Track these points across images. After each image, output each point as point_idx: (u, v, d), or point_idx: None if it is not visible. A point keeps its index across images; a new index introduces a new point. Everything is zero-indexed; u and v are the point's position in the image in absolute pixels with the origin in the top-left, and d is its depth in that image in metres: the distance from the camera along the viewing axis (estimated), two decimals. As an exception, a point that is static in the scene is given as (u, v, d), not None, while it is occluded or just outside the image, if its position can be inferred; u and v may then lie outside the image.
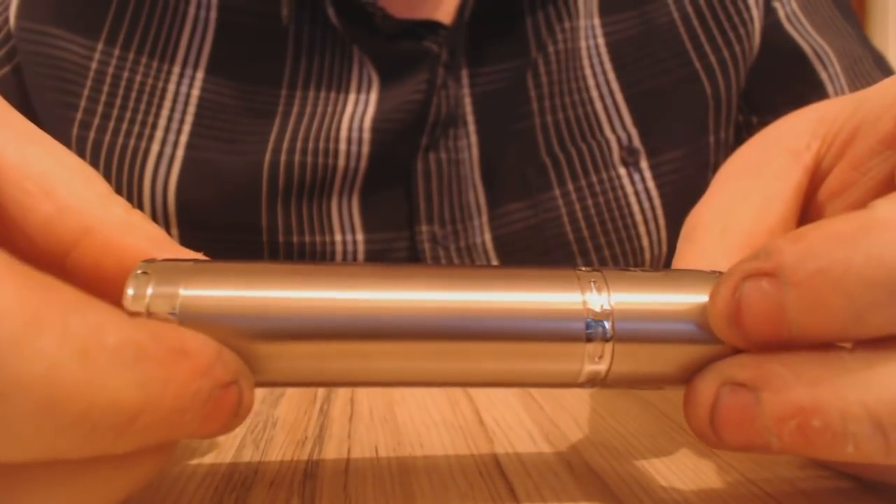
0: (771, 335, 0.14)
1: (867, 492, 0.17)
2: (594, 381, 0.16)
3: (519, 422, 0.23)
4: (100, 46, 0.40)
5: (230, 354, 0.14)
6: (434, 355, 0.15)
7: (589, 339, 0.15)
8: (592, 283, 0.15)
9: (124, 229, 0.16)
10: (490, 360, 0.15)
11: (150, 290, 0.14)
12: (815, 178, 0.21)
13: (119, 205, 0.17)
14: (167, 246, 0.17)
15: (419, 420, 0.23)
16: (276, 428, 0.23)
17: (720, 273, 0.15)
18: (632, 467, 0.19)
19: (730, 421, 0.14)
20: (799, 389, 0.13)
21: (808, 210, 0.21)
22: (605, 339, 0.15)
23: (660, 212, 0.41)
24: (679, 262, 0.20)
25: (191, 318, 0.14)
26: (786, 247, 0.14)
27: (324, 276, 0.15)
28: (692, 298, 0.15)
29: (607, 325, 0.15)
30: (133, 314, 0.14)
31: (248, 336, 0.15)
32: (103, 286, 0.16)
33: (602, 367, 0.15)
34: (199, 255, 0.17)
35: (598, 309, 0.15)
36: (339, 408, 0.25)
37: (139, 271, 0.15)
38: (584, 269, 0.16)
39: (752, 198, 0.20)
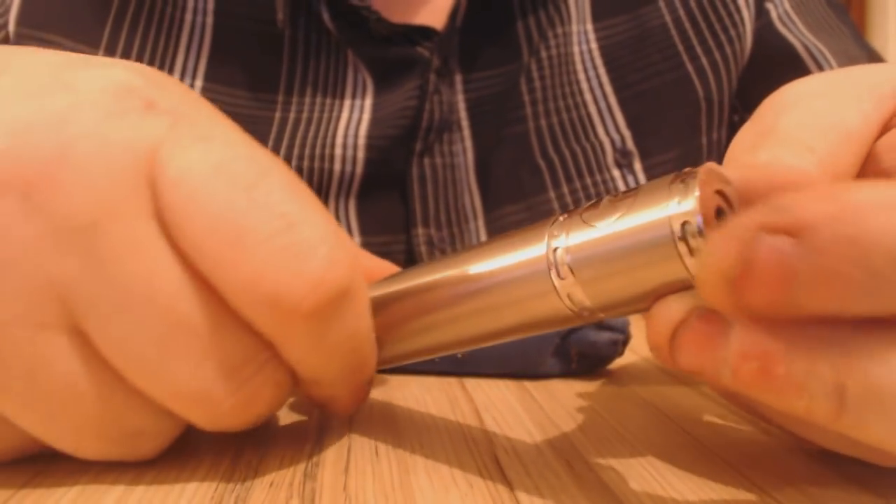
0: (767, 303, 0.12)
1: (869, 492, 0.17)
2: (587, 315, 0.16)
3: (519, 422, 0.23)
4: (100, 54, 0.40)
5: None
6: (454, 318, 0.19)
7: (556, 277, 0.16)
8: (558, 226, 0.16)
9: (382, 270, 0.23)
10: (502, 312, 0.18)
11: None
12: (887, 127, 0.19)
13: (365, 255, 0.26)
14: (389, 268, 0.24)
15: (419, 420, 0.23)
16: (276, 428, 0.23)
17: (681, 176, 0.15)
18: (631, 467, 0.19)
19: (692, 343, 0.14)
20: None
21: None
22: (571, 274, 0.16)
23: None
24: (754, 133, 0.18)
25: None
26: (812, 204, 0.12)
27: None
28: (646, 217, 0.15)
29: (569, 262, 0.16)
30: None
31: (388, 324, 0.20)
32: None
33: (580, 297, 0.16)
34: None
35: (558, 249, 0.16)
36: (339, 408, 0.25)
37: None
38: (562, 215, 0.17)
39: (827, 118, 0.18)
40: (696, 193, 0.14)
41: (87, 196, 0.16)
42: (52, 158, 0.16)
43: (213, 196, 0.16)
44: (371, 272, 0.22)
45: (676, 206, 0.14)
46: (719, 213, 0.15)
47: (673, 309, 0.14)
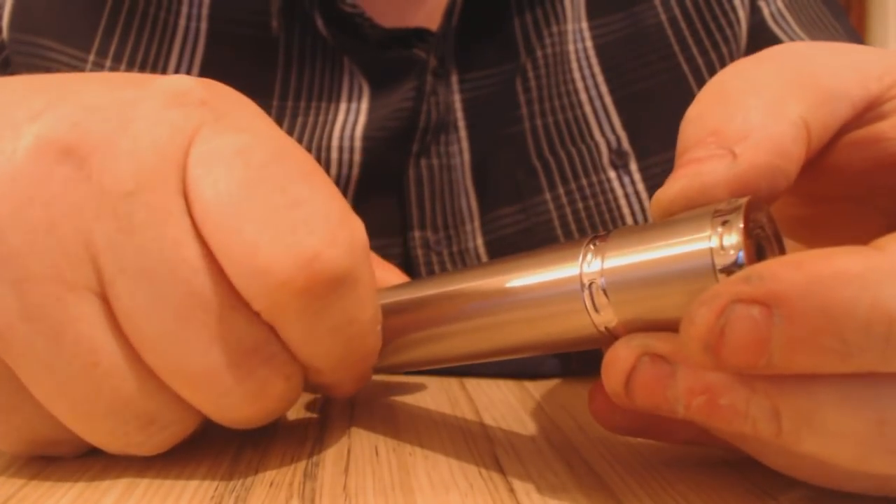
0: (745, 366, 0.14)
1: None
2: (608, 336, 0.17)
3: (519, 422, 0.23)
4: (91, 57, 0.39)
5: None
6: (476, 328, 0.19)
7: (588, 298, 0.16)
8: (592, 247, 0.17)
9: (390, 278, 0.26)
10: (527, 327, 0.18)
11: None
12: (870, 114, 0.19)
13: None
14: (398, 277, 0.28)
15: (419, 420, 0.23)
16: (276, 428, 0.23)
17: (715, 209, 0.15)
18: (631, 467, 0.19)
19: (644, 386, 0.15)
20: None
21: (842, 139, 0.19)
22: (604, 296, 0.16)
23: (649, 214, 0.41)
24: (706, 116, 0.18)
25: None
26: (784, 274, 0.13)
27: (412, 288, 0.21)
28: (687, 247, 0.15)
29: (602, 282, 0.16)
30: None
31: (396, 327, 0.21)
32: None
33: (609, 320, 0.16)
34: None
35: (592, 270, 0.16)
36: (338, 408, 0.25)
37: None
38: (599, 234, 0.17)
39: (804, 96, 0.18)
40: (741, 226, 0.15)
41: (134, 165, 0.17)
42: (112, 131, 0.18)
43: (228, 172, 0.18)
44: (379, 280, 0.22)
45: (719, 238, 0.15)
46: (759, 247, 0.15)
47: (622, 358, 0.16)
